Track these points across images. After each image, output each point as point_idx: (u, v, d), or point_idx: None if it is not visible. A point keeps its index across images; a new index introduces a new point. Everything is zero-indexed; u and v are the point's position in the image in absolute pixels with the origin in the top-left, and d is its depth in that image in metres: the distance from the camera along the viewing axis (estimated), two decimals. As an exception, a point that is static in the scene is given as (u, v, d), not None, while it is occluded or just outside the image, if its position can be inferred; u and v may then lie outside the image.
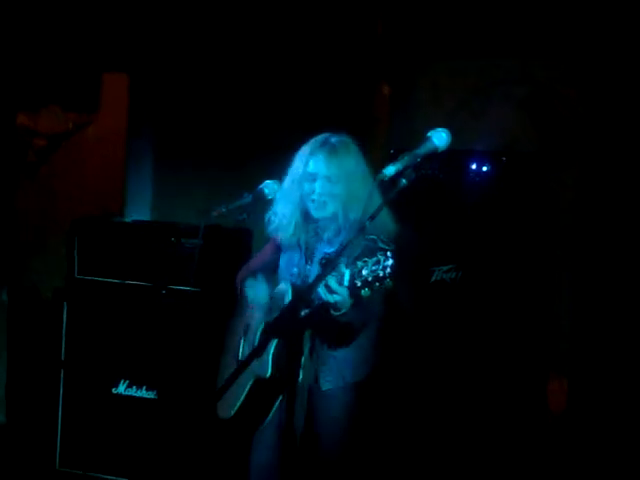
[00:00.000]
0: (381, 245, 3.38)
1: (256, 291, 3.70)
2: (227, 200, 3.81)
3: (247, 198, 3.63)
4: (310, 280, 3.52)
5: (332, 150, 3.58)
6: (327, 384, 3.65)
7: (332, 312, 3.32)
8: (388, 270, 3.10)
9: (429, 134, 3.18)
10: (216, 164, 5.99)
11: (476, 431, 4.91)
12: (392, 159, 3.17)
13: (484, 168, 5.00)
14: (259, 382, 3.57)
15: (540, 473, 4.94)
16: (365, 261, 3.16)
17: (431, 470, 4.92)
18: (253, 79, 5.98)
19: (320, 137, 3.64)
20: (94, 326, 4.95)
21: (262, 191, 3.68)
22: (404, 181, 3.09)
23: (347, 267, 3.18)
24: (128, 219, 5.64)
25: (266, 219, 3.71)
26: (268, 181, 3.76)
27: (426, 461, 4.94)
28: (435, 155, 3.19)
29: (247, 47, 5.96)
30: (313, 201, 3.59)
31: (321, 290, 3.25)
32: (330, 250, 3.60)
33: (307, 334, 3.54)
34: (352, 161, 3.60)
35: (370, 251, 3.23)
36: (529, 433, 5.01)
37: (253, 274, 3.77)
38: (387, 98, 6.28)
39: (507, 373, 4.95)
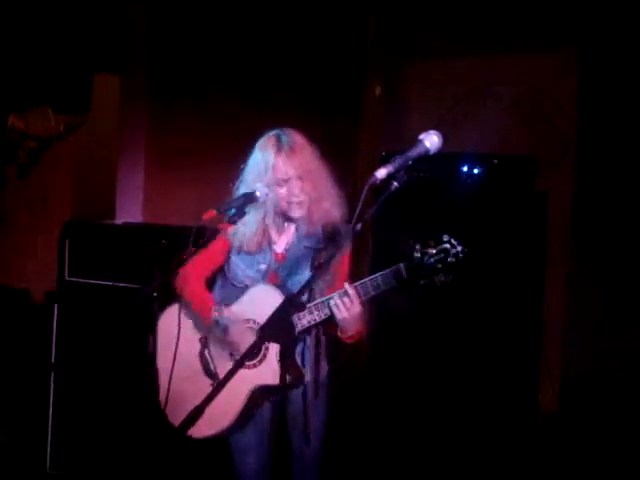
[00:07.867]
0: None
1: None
2: (218, 202, 3.80)
3: (238, 200, 3.61)
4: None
5: (294, 148, 3.56)
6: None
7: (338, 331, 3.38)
8: (461, 256, 3.22)
9: (421, 137, 3.17)
10: (208, 166, 5.98)
11: (467, 432, 4.92)
12: (384, 162, 3.17)
13: (475, 170, 5.00)
14: (259, 390, 3.53)
15: (530, 474, 4.95)
16: (425, 251, 3.23)
17: (423, 468, 4.93)
18: (243, 80, 5.98)
19: (272, 136, 3.63)
20: (85, 328, 4.93)
21: (253, 193, 3.67)
22: (396, 184, 3.09)
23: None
24: (119, 221, 5.62)
25: (233, 231, 3.66)
26: (259, 183, 3.74)
27: (418, 459, 4.95)
28: (426, 157, 3.18)
29: (238, 49, 5.96)
30: (290, 203, 3.58)
31: (334, 308, 3.31)
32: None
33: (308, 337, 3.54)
34: (313, 157, 3.59)
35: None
36: (520, 434, 5.02)
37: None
38: (378, 99, 6.29)
39: (498, 374, 4.96)
